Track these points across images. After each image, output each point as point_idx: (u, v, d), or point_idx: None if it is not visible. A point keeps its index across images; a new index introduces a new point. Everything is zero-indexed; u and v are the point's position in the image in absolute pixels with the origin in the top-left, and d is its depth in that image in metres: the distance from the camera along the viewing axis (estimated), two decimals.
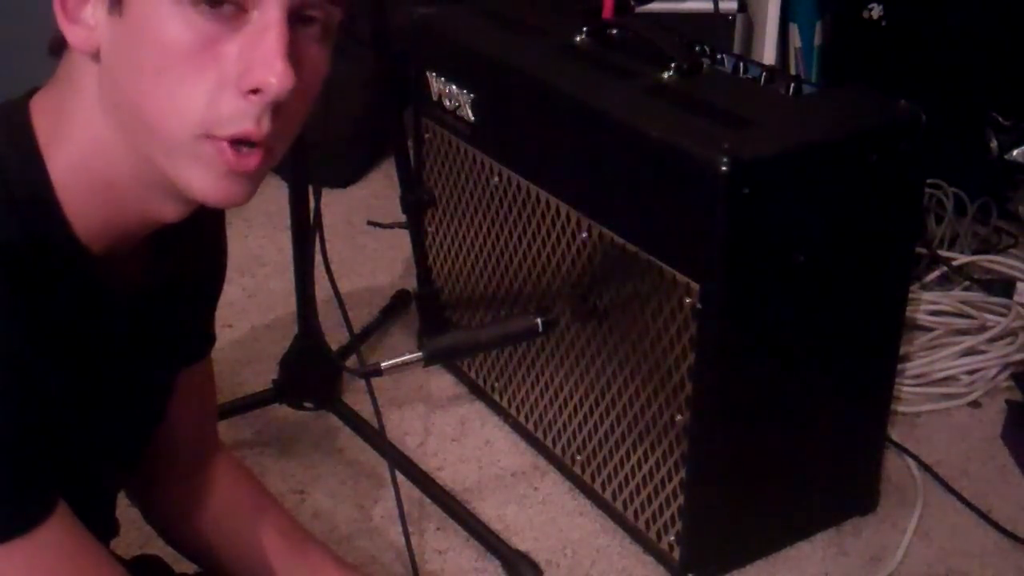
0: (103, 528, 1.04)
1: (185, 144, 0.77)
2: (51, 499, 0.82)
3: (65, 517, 0.83)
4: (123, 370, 0.92)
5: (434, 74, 1.81)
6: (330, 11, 0.78)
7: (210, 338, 1.11)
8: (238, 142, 0.77)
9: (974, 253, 2.22)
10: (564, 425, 1.71)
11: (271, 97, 0.75)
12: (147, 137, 0.78)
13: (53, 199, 0.81)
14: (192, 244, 0.96)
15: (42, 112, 0.82)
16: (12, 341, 0.77)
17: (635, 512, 1.60)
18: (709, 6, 2.37)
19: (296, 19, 0.76)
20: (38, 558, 0.81)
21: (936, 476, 1.75)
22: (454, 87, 1.76)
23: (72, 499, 0.84)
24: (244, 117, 0.76)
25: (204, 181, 0.78)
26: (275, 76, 0.74)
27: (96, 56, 0.78)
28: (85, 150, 0.81)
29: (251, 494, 1.19)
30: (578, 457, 1.70)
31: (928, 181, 2.17)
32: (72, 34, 0.78)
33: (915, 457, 1.79)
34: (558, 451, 1.74)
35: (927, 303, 2.06)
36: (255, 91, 0.75)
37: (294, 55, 0.75)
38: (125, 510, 1.66)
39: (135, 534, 1.62)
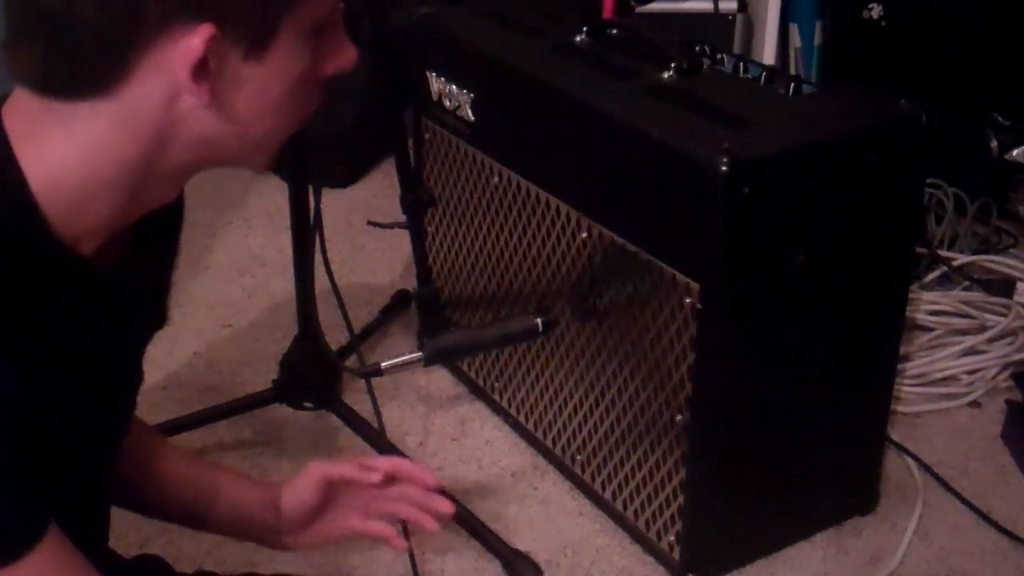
0: (98, 520, 1.04)
1: (279, 141, 0.88)
2: (42, 524, 0.82)
3: (56, 542, 0.83)
4: (107, 356, 0.92)
5: (434, 74, 1.81)
6: None
7: (165, 314, 1.10)
8: None
9: (974, 253, 2.22)
10: (564, 425, 1.71)
11: (346, 71, 0.88)
12: (240, 151, 0.86)
13: (33, 210, 0.80)
14: (159, 227, 0.96)
15: (23, 125, 0.81)
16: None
17: (635, 512, 1.60)
18: (709, 6, 2.37)
19: None
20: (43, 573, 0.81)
21: (936, 476, 1.75)
22: (454, 87, 1.76)
23: (68, 498, 0.84)
24: (319, 96, 0.89)
25: (268, 158, 0.90)
26: (351, 59, 0.88)
27: (204, 97, 0.79)
28: (111, 170, 0.81)
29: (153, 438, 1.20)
30: (578, 457, 1.70)
31: (928, 181, 2.17)
32: (202, 94, 0.79)
33: (915, 457, 1.79)
34: (558, 451, 1.74)
35: (927, 303, 2.06)
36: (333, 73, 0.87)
37: None
38: (124, 510, 1.67)
39: (134, 535, 1.62)
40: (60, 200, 0.81)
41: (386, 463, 1.17)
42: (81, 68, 0.77)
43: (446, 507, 1.16)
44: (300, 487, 1.15)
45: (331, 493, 1.16)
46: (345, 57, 0.87)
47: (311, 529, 1.18)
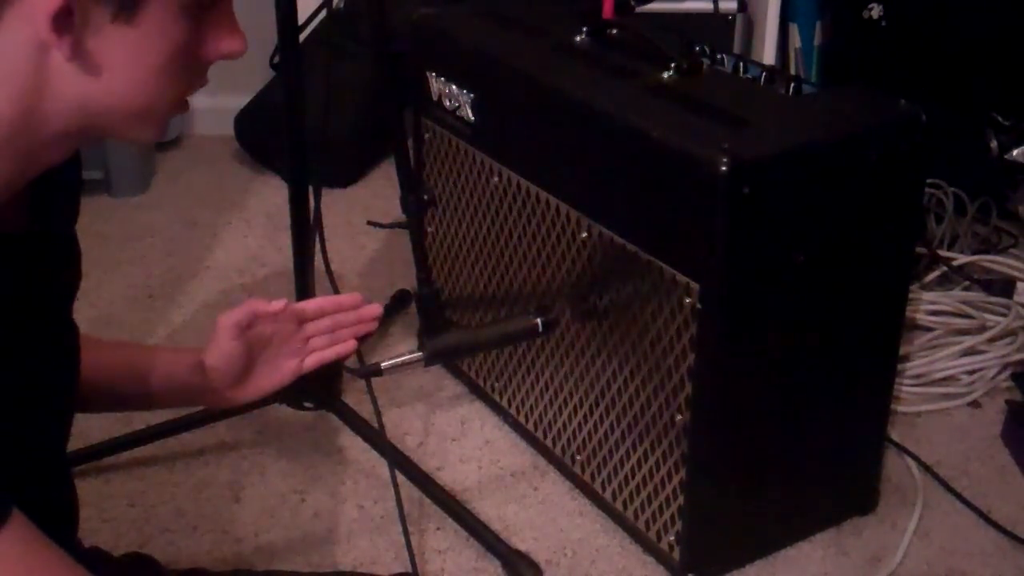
0: (59, 481, 1.04)
1: (163, 116, 0.87)
2: (5, 506, 0.81)
3: (22, 526, 0.82)
4: (32, 319, 0.91)
5: (434, 74, 1.81)
6: None
7: (78, 273, 1.10)
8: None
9: (974, 253, 2.22)
10: (564, 425, 1.71)
11: (236, 58, 0.87)
12: (121, 116, 0.85)
13: None
14: (58, 181, 0.96)
15: None
16: None
17: (635, 512, 1.60)
18: (709, 6, 2.37)
19: None
20: (3, 560, 0.81)
21: (936, 476, 1.75)
22: (454, 87, 1.76)
23: (30, 469, 0.84)
24: (203, 77, 0.89)
25: (152, 132, 0.89)
26: (241, 43, 0.87)
27: (73, 57, 0.80)
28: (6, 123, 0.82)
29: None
30: (578, 457, 1.70)
31: (928, 181, 2.17)
32: (62, 43, 0.79)
33: (915, 457, 1.79)
34: (558, 451, 1.74)
35: (927, 303, 2.06)
36: (223, 57, 0.87)
37: None
38: (124, 510, 1.67)
39: (134, 534, 1.63)
40: None
41: (298, 304, 1.21)
42: None
43: (374, 310, 1.23)
44: (217, 341, 1.18)
45: (254, 342, 1.19)
46: (231, 43, 0.87)
47: (248, 383, 1.21)
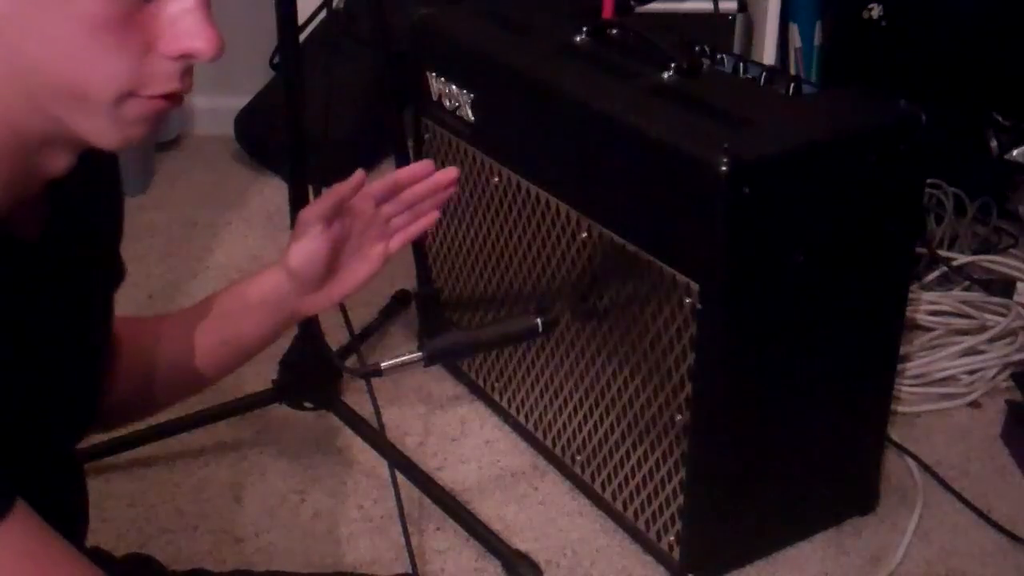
0: (70, 484, 1.02)
1: (107, 106, 0.78)
2: (9, 497, 0.80)
3: (26, 517, 0.81)
4: (52, 324, 0.90)
5: (434, 74, 1.81)
6: None
7: (120, 273, 1.09)
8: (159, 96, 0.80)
9: (974, 253, 2.22)
10: (564, 425, 1.71)
11: (203, 60, 0.78)
12: (61, 101, 0.78)
13: None
14: (86, 188, 0.95)
15: None
16: None
17: (635, 512, 1.60)
18: (709, 6, 2.37)
19: None
20: (6, 550, 0.79)
21: (936, 476, 1.75)
22: (454, 87, 1.76)
23: (33, 466, 0.83)
24: (170, 78, 0.79)
25: (115, 134, 0.81)
26: (207, 43, 0.77)
27: None
28: None
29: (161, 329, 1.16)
30: (578, 457, 1.70)
31: (928, 181, 2.17)
32: None
33: (915, 457, 1.79)
34: (558, 451, 1.74)
35: (927, 303, 2.06)
36: (183, 55, 0.78)
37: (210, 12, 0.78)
38: (124, 510, 1.67)
39: (135, 534, 1.63)
40: None
41: (373, 183, 1.14)
42: None
43: (451, 173, 1.15)
44: (301, 239, 1.11)
45: (336, 233, 1.11)
46: (190, 41, 0.77)
47: (339, 279, 1.13)
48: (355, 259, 1.14)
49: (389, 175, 1.16)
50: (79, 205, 0.94)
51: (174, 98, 0.81)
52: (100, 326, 1.03)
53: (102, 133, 0.81)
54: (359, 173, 1.11)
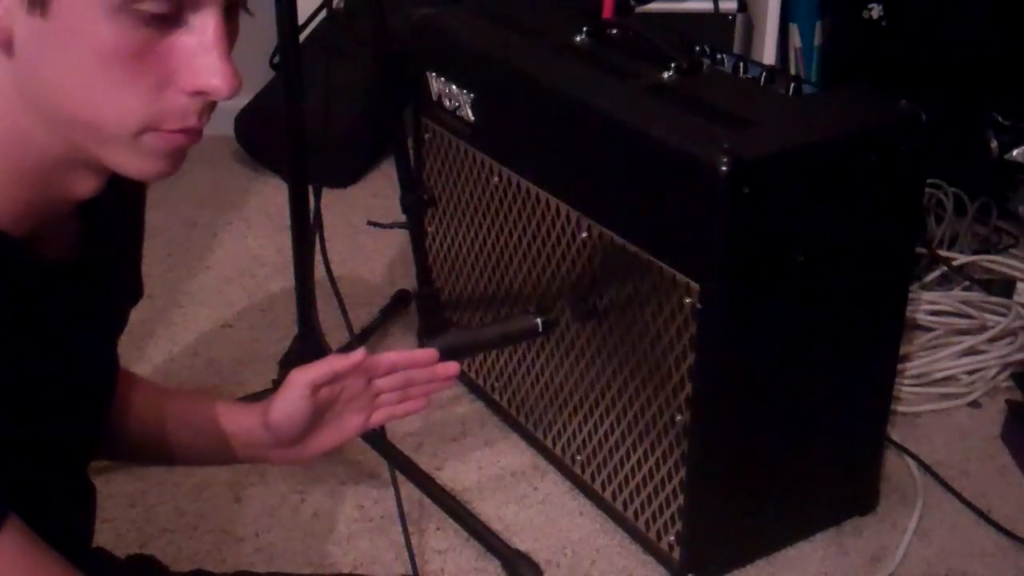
0: (74, 504, 1.02)
1: (124, 139, 0.78)
2: (1, 513, 0.79)
3: (19, 531, 0.81)
4: (68, 346, 0.90)
5: (434, 74, 1.81)
6: None
7: (138, 289, 1.08)
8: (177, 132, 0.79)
9: (974, 253, 2.22)
10: (564, 425, 1.71)
11: (220, 98, 0.77)
12: (78, 130, 0.78)
13: None
14: (117, 209, 0.94)
15: None
16: None
17: (635, 512, 1.60)
18: (709, 6, 2.37)
19: (225, 12, 0.77)
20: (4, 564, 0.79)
21: (936, 476, 1.75)
22: (454, 87, 1.76)
23: (35, 484, 0.83)
24: (187, 114, 0.78)
25: (142, 164, 0.80)
26: (222, 80, 0.76)
27: (7, 47, 0.76)
28: (1, 137, 0.79)
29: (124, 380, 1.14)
30: (578, 457, 1.70)
31: (928, 181, 2.17)
32: None
33: (915, 457, 1.79)
34: (558, 451, 1.74)
35: (927, 303, 2.06)
36: (199, 92, 0.77)
37: (229, 49, 0.77)
38: (125, 510, 1.67)
39: (135, 534, 1.63)
40: None
41: (373, 358, 1.11)
42: None
43: (451, 368, 1.13)
44: (286, 397, 1.09)
45: (323, 398, 1.10)
46: (207, 77, 0.75)
47: (310, 440, 1.12)
48: (331, 425, 1.13)
49: (389, 356, 1.13)
50: (111, 226, 0.93)
51: (192, 132, 0.79)
52: (115, 344, 1.03)
53: (125, 164, 0.80)
54: (360, 352, 1.09)
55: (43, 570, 0.84)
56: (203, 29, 0.75)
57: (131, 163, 0.79)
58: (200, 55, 0.75)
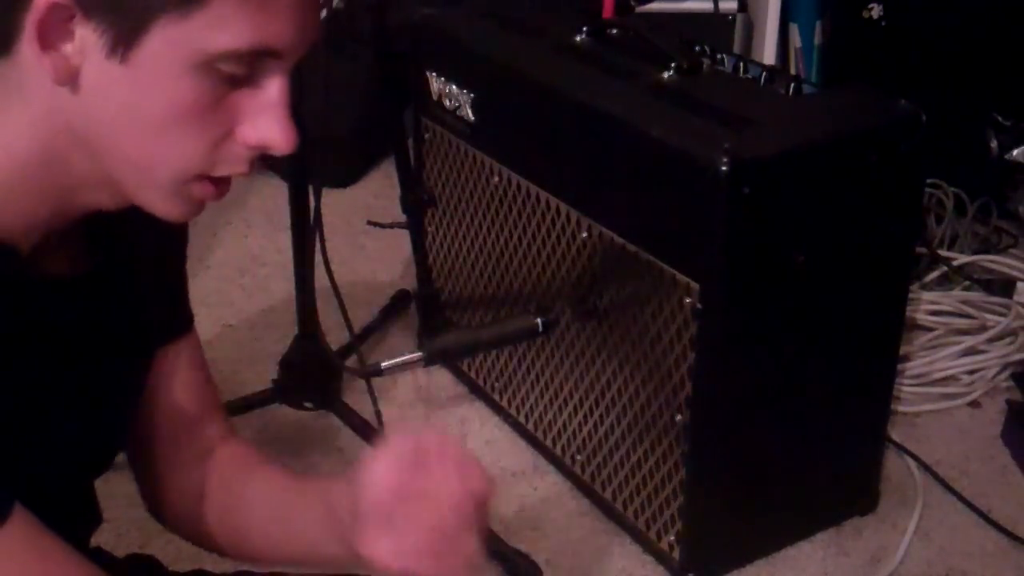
0: (79, 520, 1.02)
1: (174, 184, 0.80)
2: (8, 502, 0.79)
3: (25, 523, 0.80)
4: (75, 361, 0.89)
5: (434, 74, 1.81)
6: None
7: (183, 318, 1.06)
8: (224, 178, 0.81)
9: (974, 253, 2.22)
10: (564, 425, 1.71)
11: (279, 153, 0.79)
12: (127, 170, 0.79)
13: None
14: (134, 223, 0.93)
15: None
16: None
17: (635, 512, 1.60)
18: (709, 6, 2.37)
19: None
20: (6, 556, 0.79)
21: (936, 476, 1.75)
22: (454, 87, 1.76)
23: (36, 496, 0.82)
24: (240, 162, 0.80)
25: (172, 207, 0.82)
26: (283, 140, 0.79)
27: (72, 85, 0.76)
28: (29, 156, 0.79)
29: (245, 464, 1.09)
30: (578, 457, 1.70)
31: (928, 181, 2.17)
32: (47, 61, 0.75)
33: (915, 457, 1.79)
34: (558, 451, 1.74)
35: (927, 303, 2.06)
36: (259, 146, 0.79)
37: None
38: (125, 510, 1.66)
39: (136, 534, 1.62)
40: (10, 184, 0.79)
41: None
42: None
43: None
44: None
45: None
46: (265, 133, 0.78)
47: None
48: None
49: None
50: (124, 245, 0.93)
51: (230, 180, 0.82)
52: (135, 371, 1.01)
53: (154, 204, 0.82)
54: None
55: (52, 559, 0.83)
56: (269, 89, 0.78)
57: (162, 205, 0.82)
58: (266, 113, 0.78)
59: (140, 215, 0.87)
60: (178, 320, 1.05)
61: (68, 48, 0.75)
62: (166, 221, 0.91)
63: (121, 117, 0.77)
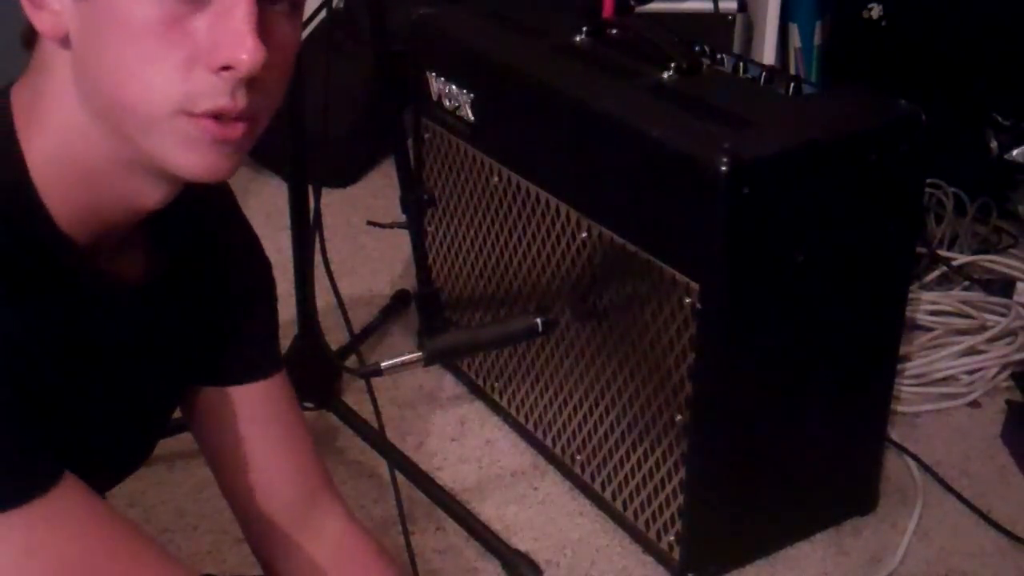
0: None
1: (162, 121, 0.77)
2: (58, 463, 0.79)
3: (75, 485, 0.80)
4: (122, 368, 0.90)
5: (434, 74, 1.81)
6: None
7: (264, 359, 1.04)
8: (216, 116, 0.77)
9: (974, 253, 2.22)
10: (564, 425, 1.71)
11: (243, 73, 0.75)
12: (124, 118, 0.78)
13: (32, 189, 0.80)
14: (198, 237, 0.94)
15: (19, 101, 0.81)
16: (4, 323, 0.75)
17: (635, 512, 1.60)
18: (709, 6, 2.37)
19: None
20: (52, 523, 0.78)
21: (936, 476, 1.75)
22: (454, 87, 1.76)
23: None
24: (218, 93, 0.76)
25: (187, 156, 0.78)
26: (246, 53, 0.74)
27: (66, 42, 0.78)
28: (62, 137, 0.80)
29: (361, 558, 1.08)
30: (578, 457, 1.70)
31: (928, 181, 2.17)
32: (39, 20, 0.77)
33: (915, 457, 1.79)
34: (558, 451, 1.74)
35: (927, 303, 2.06)
36: (227, 67, 0.75)
37: (263, 30, 0.76)
38: (124, 511, 1.67)
39: None
40: (54, 186, 0.80)
41: None
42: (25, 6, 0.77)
43: None
44: None
45: None
46: (229, 50, 0.74)
47: None
48: None
49: None
50: (187, 258, 0.93)
51: (237, 118, 0.78)
52: (173, 391, 1.01)
53: (171, 156, 0.78)
54: None
55: (106, 522, 0.83)
56: (232, 2, 0.75)
57: (176, 155, 0.78)
58: (225, 27, 0.75)
59: (204, 228, 0.87)
60: (258, 360, 1.04)
61: (56, 5, 0.77)
62: (247, 256, 0.91)
63: (99, 57, 0.76)
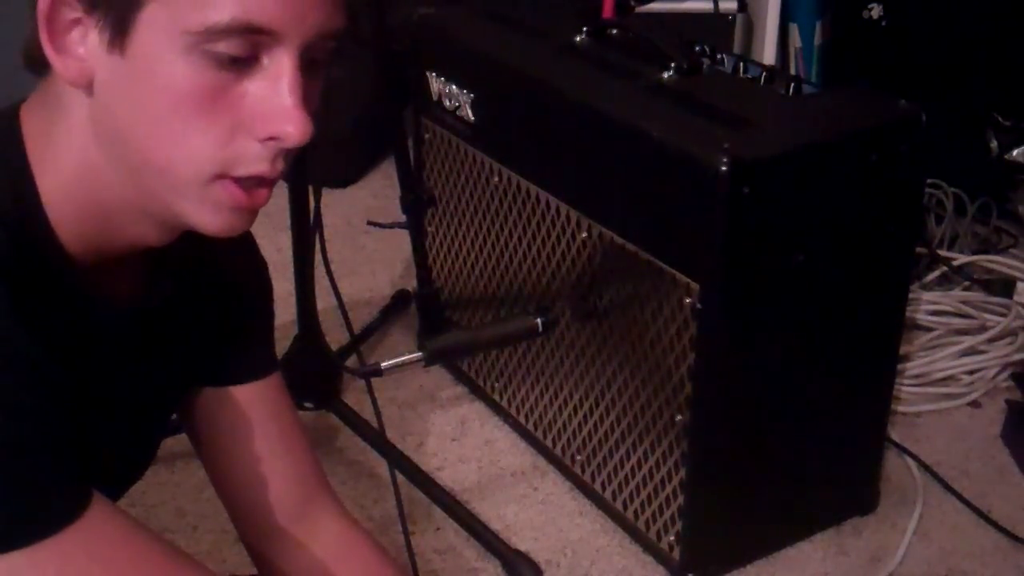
0: None
1: (194, 186, 0.77)
2: (85, 491, 0.79)
3: (104, 507, 0.80)
4: (125, 379, 0.90)
5: (434, 74, 1.81)
6: (330, 52, 0.79)
7: (260, 360, 1.05)
8: (249, 180, 0.78)
9: (974, 253, 2.22)
10: (564, 425, 1.71)
11: (289, 145, 0.76)
12: (152, 175, 0.77)
13: (46, 223, 0.79)
14: (196, 240, 0.95)
15: (31, 129, 0.81)
16: (23, 341, 0.75)
17: (635, 512, 1.60)
18: (709, 6, 2.37)
19: (304, 65, 0.77)
20: (87, 549, 0.78)
21: (936, 476, 1.75)
22: (454, 87, 1.76)
23: None
24: (260, 160, 0.77)
25: (212, 218, 0.79)
26: (294, 127, 0.75)
27: (89, 89, 0.77)
28: (76, 175, 0.80)
29: (358, 557, 1.08)
30: (578, 457, 1.70)
31: (928, 181, 2.17)
32: (63, 66, 0.76)
33: (915, 457, 1.79)
34: (558, 451, 1.74)
35: (927, 303, 2.06)
36: (272, 138, 0.76)
37: (305, 100, 0.76)
38: (125, 510, 1.67)
39: None
40: (64, 215, 0.80)
41: None
42: (33, 37, 0.76)
43: None
44: None
45: None
46: (276, 123, 0.75)
47: None
48: None
49: None
50: (187, 280, 0.93)
51: (265, 183, 0.79)
52: (169, 407, 1.01)
53: (195, 216, 0.79)
54: None
55: (140, 541, 0.83)
56: (277, 75, 0.75)
57: (201, 215, 0.79)
58: (272, 100, 0.75)
59: (204, 253, 0.88)
60: (253, 363, 1.04)
61: (81, 50, 0.75)
62: (244, 257, 0.91)
63: (132, 114, 0.76)
